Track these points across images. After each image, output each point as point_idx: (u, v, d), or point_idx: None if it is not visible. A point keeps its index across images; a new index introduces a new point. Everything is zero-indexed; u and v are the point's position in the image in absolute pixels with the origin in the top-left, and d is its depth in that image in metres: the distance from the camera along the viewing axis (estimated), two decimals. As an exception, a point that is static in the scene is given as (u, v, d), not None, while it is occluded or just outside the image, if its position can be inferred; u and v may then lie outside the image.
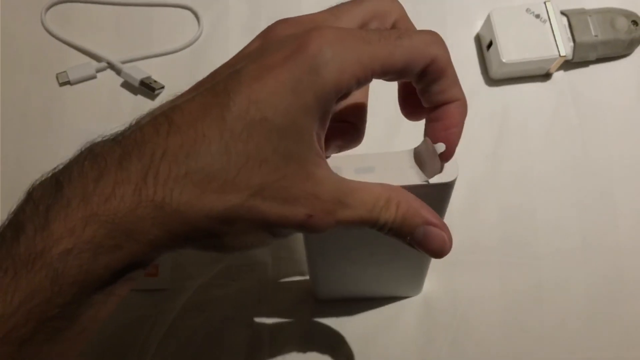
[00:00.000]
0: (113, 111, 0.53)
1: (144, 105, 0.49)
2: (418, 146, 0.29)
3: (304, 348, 0.45)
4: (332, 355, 0.45)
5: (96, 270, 0.23)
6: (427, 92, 0.27)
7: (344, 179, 0.26)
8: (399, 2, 0.29)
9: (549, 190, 0.49)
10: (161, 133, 0.24)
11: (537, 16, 0.50)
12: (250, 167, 0.23)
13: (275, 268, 0.47)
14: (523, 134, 0.51)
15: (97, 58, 0.54)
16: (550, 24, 0.50)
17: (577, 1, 0.53)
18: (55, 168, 0.25)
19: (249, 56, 0.26)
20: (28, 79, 0.54)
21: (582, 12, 0.51)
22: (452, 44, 0.54)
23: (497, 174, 0.50)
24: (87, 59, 0.54)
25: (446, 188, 0.29)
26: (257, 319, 0.46)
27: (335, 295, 0.46)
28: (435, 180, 0.28)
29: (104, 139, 0.25)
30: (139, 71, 0.52)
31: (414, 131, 0.31)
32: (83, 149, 0.25)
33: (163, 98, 0.33)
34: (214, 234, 0.24)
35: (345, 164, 0.28)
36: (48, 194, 0.23)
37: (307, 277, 0.44)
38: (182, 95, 0.26)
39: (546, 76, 0.53)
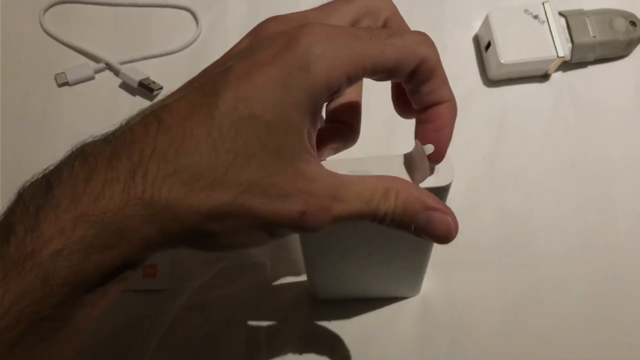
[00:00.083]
0: (111, 112, 0.52)
1: (142, 106, 0.49)
2: (411, 151, 0.29)
3: (302, 348, 0.45)
4: (330, 356, 0.45)
5: (87, 270, 0.23)
6: (417, 92, 0.27)
7: (337, 174, 0.26)
8: (390, 0, 0.29)
9: (548, 191, 0.49)
10: (150, 132, 0.24)
11: (536, 17, 0.50)
12: (239, 164, 0.23)
13: (273, 269, 0.47)
14: (521, 135, 0.51)
15: (96, 59, 0.54)
16: (549, 25, 0.50)
17: (575, 2, 0.53)
18: (46, 169, 0.25)
19: (239, 54, 0.26)
20: (26, 79, 0.54)
21: (580, 13, 0.51)
22: (450, 45, 0.55)
23: (496, 175, 0.50)
24: (85, 60, 0.54)
25: (441, 192, 0.29)
26: (256, 320, 0.46)
27: (334, 295, 0.46)
28: (430, 184, 0.28)
29: (95, 139, 0.25)
30: (138, 72, 0.52)
31: (413, 131, 0.31)
32: (74, 149, 0.25)
33: (161, 99, 0.33)
34: (205, 231, 0.24)
35: (338, 168, 0.27)
36: (38, 194, 0.23)
37: (306, 278, 0.44)
38: (173, 94, 0.26)
39: (544, 77, 0.53)
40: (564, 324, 0.46)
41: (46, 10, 0.56)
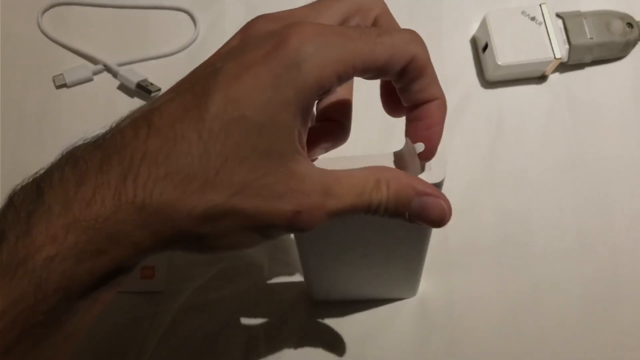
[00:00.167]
0: (109, 114, 0.51)
1: (140, 108, 0.49)
2: (400, 149, 0.29)
3: (300, 349, 0.45)
4: (328, 357, 0.45)
5: (80, 276, 0.23)
6: (407, 91, 0.27)
7: (327, 171, 0.26)
8: None
9: (546, 191, 0.49)
10: (140, 136, 0.23)
11: (533, 19, 0.51)
12: (230, 166, 0.23)
13: (271, 270, 0.47)
14: (519, 136, 0.51)
15: (94, 61, 0.54)
16: (546, 27, 0.50)
17: (572, 4, 0.53)
18: (36, 172, 0.25)
19: (228, 54, 0.25)
20: (24, 81, 0.54)
21: (577, 15, 0.51)
22: (448, 47, 0.55)
23: (494, 176, 0.50)
24: (83, 62, 0.54)
25: None
26: (254, 321, 0.46)
27: (331, 297, 0.46)
28: None
29: (85, 142, 0.25)
30: (136, 74, 0.52)
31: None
32: (64, 153, 0.25)
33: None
34: (198, 234, 0.24)
35: (329, 166, 0.27)
36: (29, 199, 0.23)
37: (303, 279, 0.44)
38: (162, 96, 0.26)
39: (542, 78, 0.53)
40: (563, 324, 0.46)
41: (44, 11, 0.56)
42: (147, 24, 0.56)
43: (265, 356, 0.45)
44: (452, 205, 0.48)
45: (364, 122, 0.32)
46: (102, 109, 0.53)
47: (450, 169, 0.49)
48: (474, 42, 0.54)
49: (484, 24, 0.51)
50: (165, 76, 0.53)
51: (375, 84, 0.30)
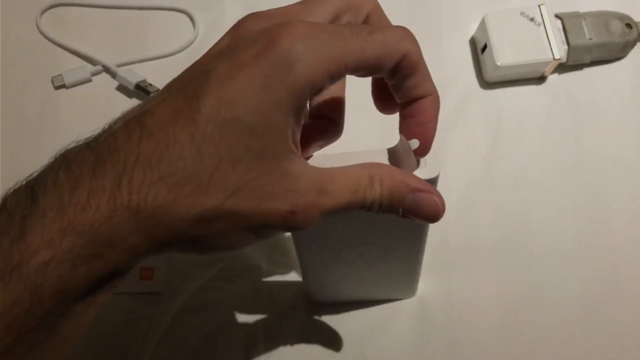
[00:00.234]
0: (108, 115, 0.51)
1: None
2: (394, 145, 0.29)
3: (299, 350, 0.45)
4: (327, 357, 0.45)
5: (75, 280, 0.23)
6: (400, 87, 0.27)
7: (321, 169, 0.26)
8: None
9: (545, 192, 0.49)
10: (133, 139, 0.23)
11: (532, 19, 0.51)
12: (223, 168, 0.23)
13: (270, 271, 0.47)
14: (518, 137, 0.51)
15: (93, 61, 0.54)
16: (545, 27, 0.50)
17: (571, 4, 0.53)
18: (29, 176, 0.25)
19: (219, 55, 0.25)
20: (23, 82, 0.54)
21: (576, 16, 0.52)
22: (447, 48, 0.55)
23: (493, 176, 0.50)
24: (82, 63, 0.54)
25: None
26: (253, 322, 0.46)
27: (330, 298, 0.46)
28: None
29: (78, 144, 0.25)
30: (135, 74, 0.52)
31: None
32: (57, 156, 0.24)
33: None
34: (193, 236, 0.24)
35: (324, 164, 0.28)
36: (23, 204, 0.23)
37: (302, 280, 0.44)
38: (154, 98, 0.26)
39: (541, 79, 0.53)
40: (562, 324, 0.46)
41: (43, 12, 0.56)
42: (146, 24, 0.56)
43: (265, 356, 0.45)
44: (452, 206, 0.48)
45: (363, 119, 0.32)
46: (101, 109, 0.53)
47: (450, 169, 0.49)
48: (473, 42, 0.54)
49: (483, 25, 0.51)
50: (164, 77, 0.52)
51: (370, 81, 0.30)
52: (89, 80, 0.54)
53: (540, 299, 0.47)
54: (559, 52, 0.50)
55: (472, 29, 0.54)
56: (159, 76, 0.53)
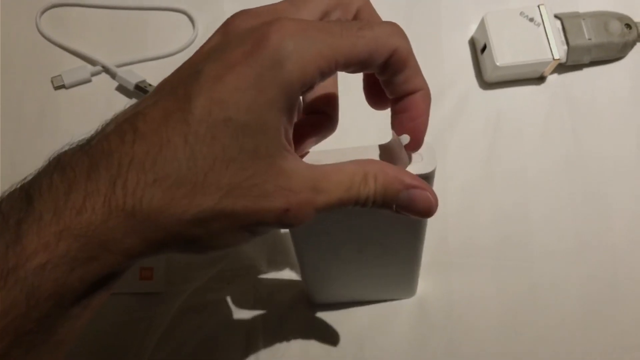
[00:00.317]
0: (108, 115, 0.52)
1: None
2: (387, 141, 0.29)
3: (299, 351, 0.45)
4: (327, 357, 0.45)
5: (72, 283, 0.23)
6: (391, 83, 0.27)
7: (315, 166, 0.26)
8: None
9: (544, 192, 0.49)
10: (127, 141, 0.23)
11: (531, 19, 0.51)
12: (217, 168, 0.23)
13: (270, 271, 0.47)
14: (518, 137, 0.51)
15: (92, 62, 0.54)
16: (544, 28, 0.50)
17: (570, 5, 0.53)
18: (24, 179, 0.25)
19: (209, 54, 0.25)
20: (23, 82, 0.54)
21: (575, 16, 0.52)
22: (446, 48, 0.55)
23: (492, 177, 0.50)
24: (82, 63, 0.54)
25: (425, 179, 0.29)
26: (253, 322, 0.46)
27: (330, 299, 0.46)
28: (414, 172, 0.28)
29: (72, 147, 0.25)
30: (134, 75, 0.52)
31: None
32: (51, 159, 0.25)
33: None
34: (189, 237, 0.24)
35: (321, 160, 0.28)
36: (18, 207, 0.23)
37: (302, 281, 0.44)
38: (145, 99, 0.26)
39: (540, 79, 0.53)
40: (562, 324, 0.46)
41: (43, 12, 0.56)
42: (145, 25, 0.56)
43: (265, 357, 0.45)
44: (451, 206, 0.48)
45: (364, 116, 0.32)
46: (100, 110, 0.53)
47: (449, 169, 0.49)
48: (472, 43, 0.54)
49: (482, 25, 0.51)
50: (163, 77, 0.52)
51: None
52: (88, 81, 0.54)
53: (539, 298, 0.47)
54: (559, 52, 0.50)
55: (471, 29, 0.54)
56: (159, 76, 0.52)
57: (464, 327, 0.46)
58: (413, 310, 0.46)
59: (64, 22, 0.56)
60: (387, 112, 0.31)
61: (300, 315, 0.46)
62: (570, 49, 0.51)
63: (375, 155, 0.29)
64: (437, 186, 0.28)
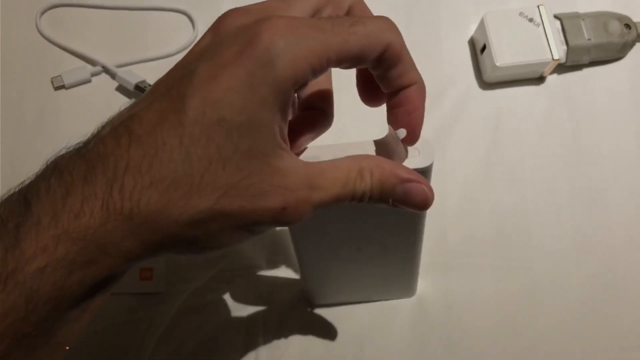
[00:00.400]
0: (108, 115, 0.52)
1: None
2: (384, 136, 0.29)
3: (298, 351, 0.45)
4: (327, 357, 0.45)
5: (71, 286, 0.23)
6: (385, 77, 0.27)
7: (310, 163, 0.26)
8: None
9: (544, 192, 0.49)
10: (122, 145, 0.23)
11: (531, 20, 0.51)
12: (213, 169, 0.23)
13: (270, 271, 0.47)
14: (517, 137, 0.51)
15: (92, 62, 0.54)
16: (544, 28, 0.50)
17: (570, 5, 0.53)
18: (21, 183, 0.25)
19: (201, 55, 0.25)
20: (23, 83, 0.54)
21: (575, 16, 0.52)
22: (446, 48, 0.55)
23: (491, 177, 0.50)
24: (82, 63, 0.54)
25: (423, 174, 0.29)
26: (252, 322, 0.46)
27: (329, 300, 0.46)
28: (412, 166, 0.28)
29: (69, 150, 0.25)
30: (134, 75, 0.52)
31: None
32: (49, 163, 0.25)
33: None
34: (187, 238, 0.24)
35: (319, 156, 0.28)
36: (16, 211, 0.23)
37: (302, 282, 0.44)
38: (140, 101, 0.26)
39: (540, 79, 0.53)
40: (561, 324, 0.46)
41: (43, 13, 0.56)
42: (145, 25, 0.56)
43: (265, 356, 0.45)
44: (451, 206, 0.48)
45: (365, 113, 0.32)
46: (100, 110, 0.52)
47: (449, 169, 0.49)
48: (472, 43, 0.54)
49: (482, 25, 0.51)
50: (163, 78, 0.53)
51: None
52: (88, 81, 0.54)
53: (539, 298, 0.47)
54: (558, 52, 0.50)
55: (471, 30, 0.54)
56: (159, 77, 0.53)
57: (464, 326, 0.46)
58: (412, 310, 0.46)
59: (64, 22, 0.56)
60: (384, 109, 0.31)
61: (300, 315, 0.46)
62: (569, 49, 0.51)
63: (372, 150, 0.29)
64: (436, 186, 0.29)
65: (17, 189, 0.25)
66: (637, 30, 0.52)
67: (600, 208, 0.49)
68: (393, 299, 0.47)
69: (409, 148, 0.29)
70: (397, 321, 0.46)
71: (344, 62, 0.25)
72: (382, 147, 0.29)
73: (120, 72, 0.53)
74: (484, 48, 0.52)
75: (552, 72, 0.52)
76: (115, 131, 0.24)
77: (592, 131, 0.51)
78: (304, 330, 0.46)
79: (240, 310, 0.46)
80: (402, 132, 0.28)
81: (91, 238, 0.23)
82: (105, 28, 0.56)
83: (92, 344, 0.45)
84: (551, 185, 0.50)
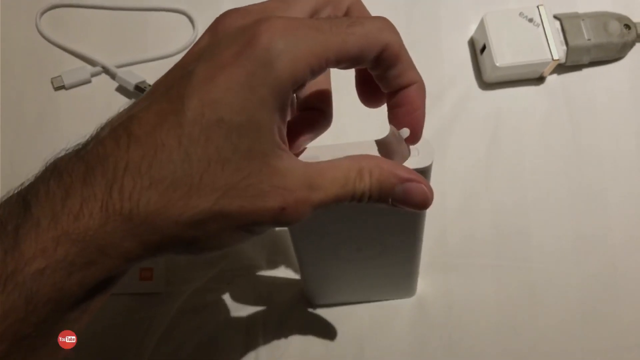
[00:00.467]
0: (108, 116, 0.52)
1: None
2: (385, 136, 0.29)
3: (298, 351, 0.45)
4: (327, 357, 0.45)
5: (70, 287, 0.23)
6: (384, 77, 0.27)
7: (310, 164, 0.26)
8: None
9: (543, 193, 0.49)
10: (121, 146, 0.23)
11: (531, 20, 0.51)
12: (212, 170, 0.23)
13: (270, 271, 0.47)
14: (517, 138, 0.51)
15: (92, 62, 0.54)
16: (544, 28, 0.50)
17: (570, 5, 0.53)
18: (20, 185, 0.25)
19: (200, 55, 0.25)
20: (23, 83, 0.54)
21: (575, 16, 0.52)
22: (446, 48, 0.55)
23: (491, 177, 0.50)
24: (81, 64, 0.54)
25: (422, 173, 0.29)
26: (252, 322, 0.46)
27: (329, 300, 0.46)
28: (411, 166, 0.28)
29: (68, 152, 0.25)
30: (134, 75, 0.52)
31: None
32: (48, 165, 0.25)
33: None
34: (186, 238, 0.24)
35: (319, 156, 0.28)
36: (16, 213, 0.23)
37: (302, 282, 0.44)
38: (139, 102, 0.26)
39: (540, 80, 0.53)
40: (561, 324, 0.46)
41: (43, 13, 0.56)
42: (145, 25, 0.56)
43: (265, 357, 0.45)
44: (451, 206, 0.48)
45: (364, 115, 0.32)
46: (100, 110, 0.52)
47: (449, 169, 0.49)
48: (472, 43, 0.54)
49: (482, 26, 0.51)
50: (163, 78, 0.53)
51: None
52: (88, 81, 0.54)
53: (539, 298, 0.47)
54: (558, 52, 0.50)
55: (471, 30, 0.54)
56: (158, 77, 0.53)
57: (464, 326, 0.46)
58: (412, 309, 0.46)
59: (64, 22, 0.56)
60: (384, 109, 0.31)
61: (300, 315, 0.46)
62: (569, 50, 0.51)
63: (372, 150, 0.29)
64: (436, 186, 0.29)
65: (16, 191, 0.25)
66: (636, 30, 0.52)
67: (600, 208, 0.49)
68: (393, 299, 0.47)
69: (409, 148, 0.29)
70: (397, 321, 0.46)
71: (342, 62, 0.25)
72: (383, 146, 0.29)
73: (120, 72, 0.53)
74: (483, 48, 0.52)
75: (552, 72, 0.52)
76: (115, 132, 0.24)
77: (592, 131, 0.51)
78: (304, 330, 0.46)
79: (240, 310, 0.46)
80: (405, 132, 0.28)
81: (91, 239, 0.23)
82: (105, 28, 0.56)
83: (92, 344, 0.45)
84: (551, 185, 0.50)
